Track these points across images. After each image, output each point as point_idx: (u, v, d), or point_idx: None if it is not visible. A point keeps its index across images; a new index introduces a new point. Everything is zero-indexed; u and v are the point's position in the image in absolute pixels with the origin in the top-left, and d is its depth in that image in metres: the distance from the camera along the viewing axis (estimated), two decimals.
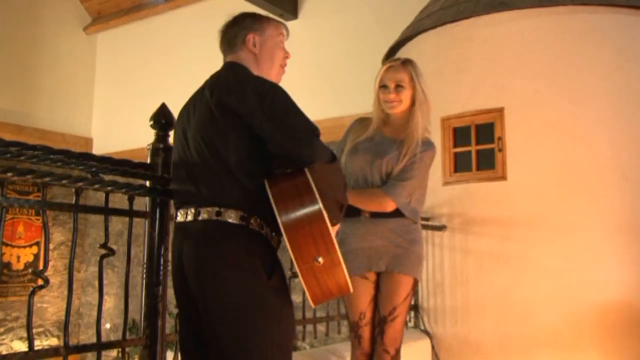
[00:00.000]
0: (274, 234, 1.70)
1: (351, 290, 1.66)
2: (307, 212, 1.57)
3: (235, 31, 1.88)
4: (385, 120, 2.51)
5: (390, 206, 2.37)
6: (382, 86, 2.45)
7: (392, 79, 2.42)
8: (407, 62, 2.46)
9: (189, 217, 1.69)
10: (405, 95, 2.43)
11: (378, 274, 2.45)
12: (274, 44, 1.91)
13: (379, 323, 2.41)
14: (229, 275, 1.61)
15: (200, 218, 1.66)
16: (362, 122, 2.59)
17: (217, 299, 1.62)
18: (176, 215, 1.77)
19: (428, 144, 2.44)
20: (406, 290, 2.39)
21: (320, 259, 1.56)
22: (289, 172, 1.64)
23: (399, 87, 2.42)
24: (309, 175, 1.61)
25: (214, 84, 1.75)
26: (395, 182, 2.37)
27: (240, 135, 1.65)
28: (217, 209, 1.64)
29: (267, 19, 1.93)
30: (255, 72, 1.81)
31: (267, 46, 1.88)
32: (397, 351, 2.41)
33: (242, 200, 1.65)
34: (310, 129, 1.64)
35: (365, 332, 2.46)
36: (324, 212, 1.57)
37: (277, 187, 1.60)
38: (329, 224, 1.58)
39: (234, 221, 1.64)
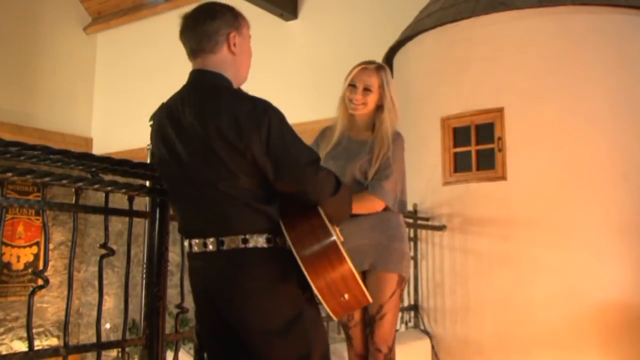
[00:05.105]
0: None
1: (370, 301, 1.67)
2: (324, 245, 1.58)
3: (217, 27, 1.68)
4: (351, 122, 2.53)
5: (380, 206, 2.38)
6: (351, 85, 2.46)
7: (362, 81, 2.43)
8: (380, 68, 2.47)
9: (211, 247, 1.61)
10: (371, 99, 2.44)
11: (363, 273, 2.43)
12: (248, 45, 1.77)
13: (369, 323, 2.41)
14: (269, 302, 1.58)
15: (225, 248, 1.59)
16: (324, 133, 2.61)
17: (260, 327, 1.57)
18: (190, 246, 1.67)
19: (396, 135, 2.46)
20: (391, 287, 2.38)
21: (346, 296, 1.59)
22: (303, 213, 1.63)
23: (366, 90, 2.43)
24: (323, 216, 1.63)
25: (199, 111, 1.59)
26: (379, 182, 2.38)
27: (247, 169, 1.57)
28: (242, 236, 1.58)
29: (241, 14, 1.75)
30: (230, 75, 1.69)
31: (244, 47, 1.74)
32: (390, 349, 2.40)
33: (265, 223, 1.60)
34: (310, 161, 1.61)
35: (355, 332, 2.46)
36: (340, 244, 1.60)
37: (295, 232, 1.59)
38: (344, 253, 1.59)
39: (262, 245, 1.58)
